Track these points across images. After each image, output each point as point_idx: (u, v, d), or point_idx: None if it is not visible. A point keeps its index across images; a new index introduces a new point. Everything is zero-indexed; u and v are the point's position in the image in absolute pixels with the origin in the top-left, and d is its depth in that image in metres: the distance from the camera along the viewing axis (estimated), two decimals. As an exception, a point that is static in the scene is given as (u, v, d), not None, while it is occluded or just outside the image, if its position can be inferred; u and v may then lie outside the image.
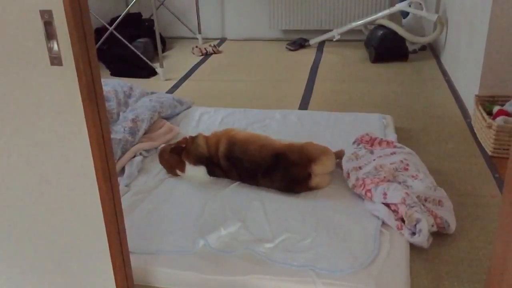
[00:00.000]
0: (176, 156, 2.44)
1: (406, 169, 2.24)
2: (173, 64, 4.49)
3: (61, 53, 1.28)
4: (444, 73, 3.96)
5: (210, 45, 4.84)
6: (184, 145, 2.46)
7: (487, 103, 2.93)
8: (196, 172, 2.43)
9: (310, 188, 2.28)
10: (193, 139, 2.48)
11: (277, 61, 4.50)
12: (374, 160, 2.35)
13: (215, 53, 4.77)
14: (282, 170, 2.26)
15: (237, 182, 2.38)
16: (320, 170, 2.27)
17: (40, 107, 1.37)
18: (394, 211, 2.02)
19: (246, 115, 3.15)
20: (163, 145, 2.59)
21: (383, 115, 3.05)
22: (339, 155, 2.45)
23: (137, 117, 2.79)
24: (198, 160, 2.42)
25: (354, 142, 2.57)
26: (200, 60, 4.59)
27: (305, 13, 4.89)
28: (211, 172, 2.44)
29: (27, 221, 1.53)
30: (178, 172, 2.45)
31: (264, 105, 3.39)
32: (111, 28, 4.07)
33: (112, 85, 3.07)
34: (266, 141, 2.38)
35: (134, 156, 2.62)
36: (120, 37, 4.05)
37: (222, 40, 5.21)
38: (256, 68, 4.33)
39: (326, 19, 4.87)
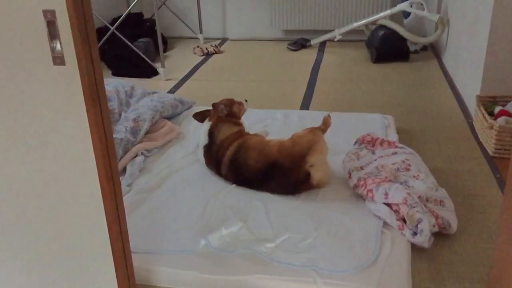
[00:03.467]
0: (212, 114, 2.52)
1: (408, 169, 2.24)
2: (175, 64, 4.49)
3: (63, 52, 1.28)
4: (446, 73, 3.96)
5: (211, 45, 4.85)
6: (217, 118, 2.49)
7: (489, 104, 2.93)
8: (201, 137, 2.48)
9: (312, 187, 2.26)
10: (220, 129, 2.45)
11: (279, 61, 4.51)
12: (375, 160, 2.35)
13: (216, 53, 4.77)
14: (279, 178, 2.24)
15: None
16: (317, 159, 2.23)
17: (43, 107, 1.37)
18: (395, 211, 2.02)
19: (248, 115, 3.13)
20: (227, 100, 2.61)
21: (384, 115, 3.06)
22: (327, 124, 2.36)
23: (138, 117, 2.79)
24: (205, 144, 2.45)
25: (355, 142, 2.58)
26: (202, 60, 4.59)
27: (306, 13, 4.89)
28: (207, 163, 2.46)
29: (28, 220, 1.53)
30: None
31: (265, 105, 3.40)
32: (112, 28, 4.07)
33: (113, 85, 3.07)
34: (262, 146, 2.33)
35: (136, 156, 2.63)
36: (121, 37, 4.06)
37: (224, 40, 5.22)
38: (257, 68, 4.33)
39: (327, 19, 4.87)
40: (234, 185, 2.36)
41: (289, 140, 2.30)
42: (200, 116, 2.60)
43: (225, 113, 2.50)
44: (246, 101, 2.64)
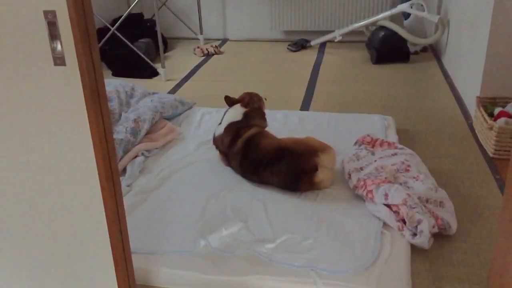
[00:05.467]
0: (245, 103, 2.61)
1: (407, 170, 2.25)
2: (175, 64, 4.49)
3: (64, 53, 1.28)
4: (446, 74, 3.96)
5: (211, 46, 4.85)
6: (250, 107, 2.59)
7: (489, 105, 2.93)
8: (232, 115, 2.55)
9: (313, 184, 2.27)
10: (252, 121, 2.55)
11: (279, 62, 4.51)
12: (375, 161, 2.35)
13: (216, 53, 4.77)
14: (287, 162, 2.26)
15: (237, 184, 2.38)
16: (326, 160, 2.28)
17: (43, 107, 1.37)
18: (395, 212, 2.03)
19: (248, 115, 3.15)
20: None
21: (384, 116, 3.06)
22: None
23: (139, 117, 2.79)
24: (231, 121, 2.53)
25: (355, 143, 2.58)
26: (202, 61, 4.59)
27: (306, 14, 4.89)
28: (223, 136, 2.51)
29: (28, 220, 1.54)
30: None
31: (265, 106, 3.39)
32: (113, 29, 4.08)
33: (114, 85, 3.08)
34: (275, 137, 2.47)
35: (136, 156, 2.63)
36: (122, 37, 4.06)
37: (224, 40, 5.22)
38: (257, 69, 4.33)
39: (327, 20, 4.88)
40: (234, 185, 2.37)
41: (303, 138, 2.42)
42: (230, 100, 2.66)
43: (256, 106, 2.61)
44: (265, 99, 2.74)
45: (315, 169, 2.25)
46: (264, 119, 2.63)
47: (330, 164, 2.33)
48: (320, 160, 2.26)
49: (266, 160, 2.32)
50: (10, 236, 1.58)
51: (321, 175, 2.26)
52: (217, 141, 2.58)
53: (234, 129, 2.50)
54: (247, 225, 2.06)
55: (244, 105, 2.59)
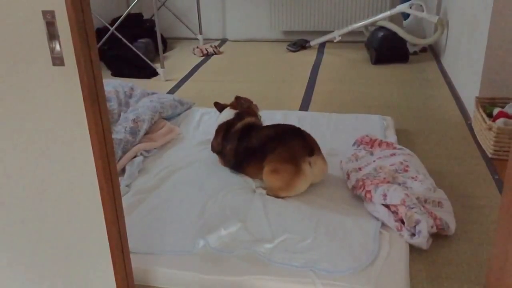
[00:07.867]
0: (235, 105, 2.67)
1: (406, 171, 2.25)
2: (174, 64, 4.49)
3: (63, 53, 1.28)
4: (445, 74, 3.97)
5: (211, 46, 4.85)
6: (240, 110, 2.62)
7: (488, 105, 2.93)
8: (226, 115, 2.59)
9: (297, 165, 2.21)
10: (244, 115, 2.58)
11: (278, 62, 4.51)
12: (374, 161, 2.35)
13: (216, 53, 4.77)
14: (288, 126, 2.39)
15: (236, 184, 2.39)
16: (316, 164, 2.25)
17: (42, 107, 1.37)
18: (393, 212, 2.03)
19: (247, 115, 3.15)
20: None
21: (383, 116, 3.06)
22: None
23: (138, 117, 2.79)
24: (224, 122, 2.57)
25: (354, 143, 2.58)
26: (201, 61, 4.60)
27: (306, 14, 4.90)
28: (212, 144, 2.58)
29: (28, 220, 1.54)
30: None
31: (265, 106, 3.38)
32: (112, 29, 4.08)
33: (113, 85, 3.08)
34: None
35: (135, 156, 2.63)
36: (121, 37, 4.06)
37: (223, 40, 5.22)
38: (257, 69, 4.33)
39: (327, 20, 4.88)
40: (233, 185, 2.37)
41: None
42: (220, 106, 2.69)
43: (245, 107, 2.64)
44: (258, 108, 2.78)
45: (311, 152, 2.24)
46: (257, 119, 2.64)
47: (316, 170, 2.27)
48: (312, 159, 2.24)
49: (268, 126, 2.45)
50: (8, 236, 1.58)
51: (303, 166, 2.21)
52: (212, 144, 2.59)
53: (226, 125, 2.53)
54: (246, 225, 2.06)
55: (233, 108, 2.62)
